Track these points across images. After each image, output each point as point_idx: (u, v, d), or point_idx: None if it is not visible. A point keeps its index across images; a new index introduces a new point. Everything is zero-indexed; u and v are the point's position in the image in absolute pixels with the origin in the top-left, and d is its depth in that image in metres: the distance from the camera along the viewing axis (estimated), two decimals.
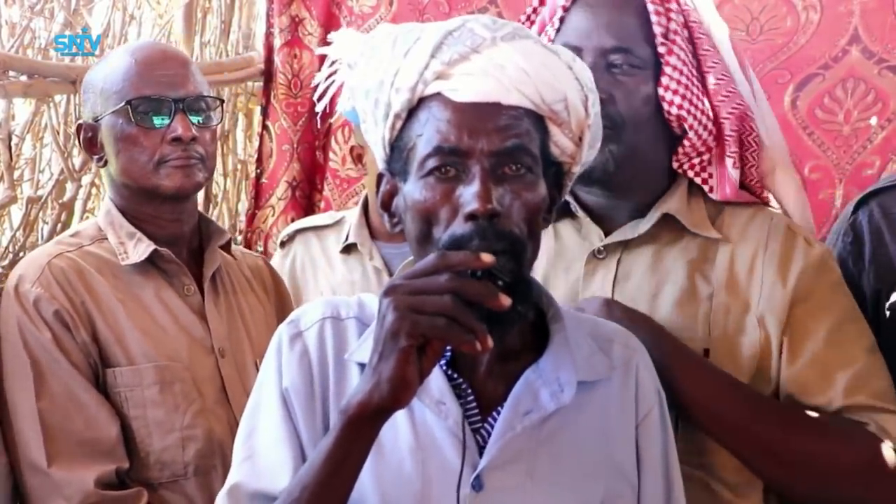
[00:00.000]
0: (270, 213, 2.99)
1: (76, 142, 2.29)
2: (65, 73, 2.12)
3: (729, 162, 1.58)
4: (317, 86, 1.42)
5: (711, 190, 1.61)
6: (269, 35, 2.98)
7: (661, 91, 1.52)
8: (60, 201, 2.27)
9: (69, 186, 2.29)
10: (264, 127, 3.00)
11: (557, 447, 1.21)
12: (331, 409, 1.22)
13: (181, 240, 1.84)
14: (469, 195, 1.13)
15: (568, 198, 1.60)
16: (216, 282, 1.88)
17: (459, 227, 1.13)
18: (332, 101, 1.43)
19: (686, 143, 1.55)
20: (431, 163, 1.16)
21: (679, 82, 1.52)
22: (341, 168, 2.98)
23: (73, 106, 2.26)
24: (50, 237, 2.18)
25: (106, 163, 1.81)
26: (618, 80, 1.50)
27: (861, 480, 1.42)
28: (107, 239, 1.79)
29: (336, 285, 2.46)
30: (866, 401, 1.46)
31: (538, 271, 1.60)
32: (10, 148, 2.09)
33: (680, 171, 1.59)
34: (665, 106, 1.52)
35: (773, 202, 1.65)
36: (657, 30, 1.51)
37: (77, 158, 2.32)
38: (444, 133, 1.15)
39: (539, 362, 1.23)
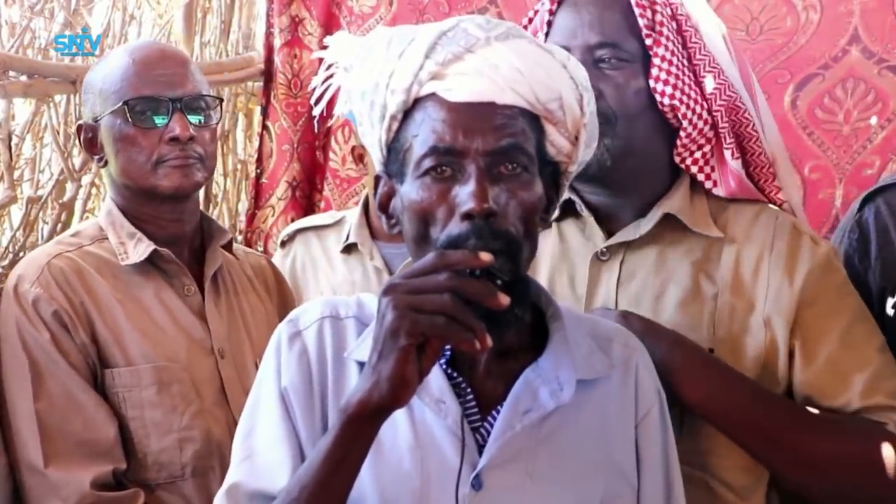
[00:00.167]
0: (270, 213, 3.00)
1: (76, 142, 2.30)
2: (65, 73, 2.12)
3: (727, 153, 1.58)
4: (315, 88, 1.43)
5: (716, 184, 1.60)
6: (269, 35, 2.98)
7: (652, 83, 1.52)
8: (60, 201, 2.27)
9: (69, 186, 2.30)
10: (264, 127, 3.00)
11: (557, 446, 1.21)
12: (330, 408, 1.22)
13: (182, 240, 1.84)
14: (465, 195, 1.13)
15: (574, 197, 1.60)
16: (217, 282, 1.87)
17: (456, 226, 1.13)
18: (330, 105, 1.43)
19: (682, 133, 1.55)
20: (427, 163, 1.16)
21: (669, 73, 1.52)
22: (341, 168, 2.98)
23: (73, 106, 2.26)
24: (50, 237, 2.18)
25: (106, 163, 1.81)
26: (606, 75, 1.51)
27: (881, 479, 1.42)
28: (107, 239, 1.79)
29: (336, 285, 2.46)
30: (884, 401, 1.47)
31: (543, 271, 1.61)
32: (10, 148, 2.09)
33: (682, 165, 1.59)
34: (658, 97, 1.52)
35: (781, 193, 1.64)
36: (642, 22, 1.51)
37: (77, 158, 2.32)
38: (439, 133, 1.15)
39: (538, 361, 1.23)
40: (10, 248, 2.10)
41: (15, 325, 1.68)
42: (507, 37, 1.19)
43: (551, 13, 1.59)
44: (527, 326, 1.26)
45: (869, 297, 1.61)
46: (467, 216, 1.12)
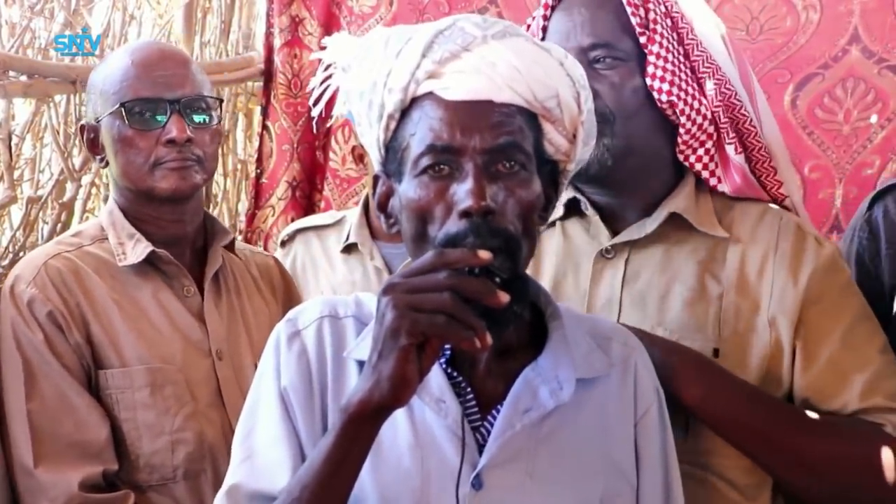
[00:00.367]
0: (270, 213, 3.00)
1: (76, 142, 2.30)
2: (65, 73, 2.12)
3: (730, 149, 1.58)
4: (314, 89, 1.43)
5: (720, 181, 1.60)
6: (269, 35, 2.98)
7: (649, 81, 1.52)
8: (60, 201, 2.28)
9: (69, 186, 2.30)
10: (264, 127, 3.01)
11: (557, 445, 1.21)
12: (329, 407, 1.22)
13: (183, 240, 1.83)
14: (463, 193, 1.13)
15: (579, 196, 1.60)
16: (218, 282, 1.87)
17: (454, 224, 1.13)
18: (329, 105, 1.43)
19: (682, 130, 1.55)
20: (425, 161, 1.16)
21: (665, 70, 1.52)
22: (341, 168, 2.99)
23: (73, 106, 2.27)
24: (50, 237, 2.18)
25: (108, 164, 1.80)
26: (601, 75, 1.51)
27: (880, 481, 1.42)
28: (107, 239, 1.79)
29: (337, 285, 2.46)
30: (882, 402, 1.47)
31: (547, 270, 1.61)
32: (10, 148, 2.09)
33: (686, 163, 1.59)
34: (655, 95, 1.52)
35: (783, 188, 1.64)
36: (635, 21, 1.52)
37: (77, 158, 2.32)
38: (436, 131, 1.15)
39: (538, 360, 1.23)
40: (10, 248, 2.11)
41: (10, 325, 1.68)
42: (504, 35, 1.19)
43: (545, 18, 1.60)
44: (526, 325, 1.26)
45: (881, 295, 1.62)
46: (465, 214, 1.12)
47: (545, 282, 1.60)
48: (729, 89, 1.57)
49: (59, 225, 2.25)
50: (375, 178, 1.27)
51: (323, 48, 1.39)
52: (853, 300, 1.54)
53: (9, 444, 1.65)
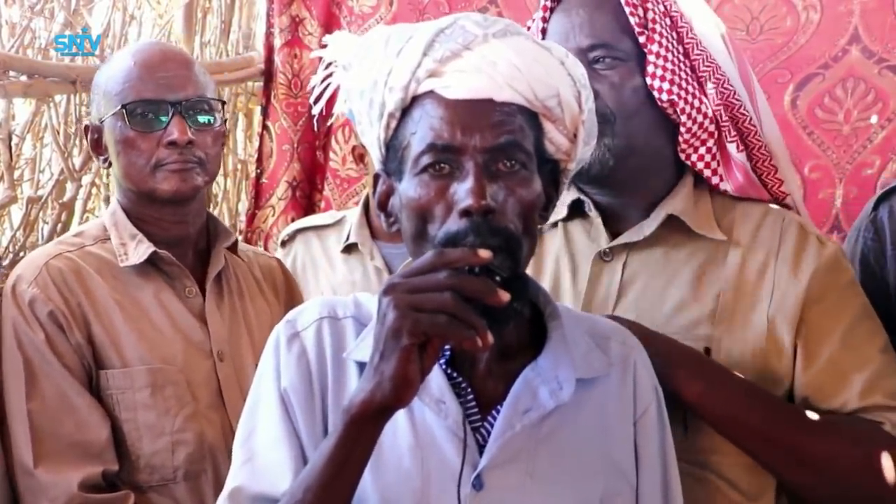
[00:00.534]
0: (270, 213, 3.00)
1: (76, 142, 2.30)
2: (65, 73, 2.12)
3: (732, 147, 1.58)
4: (314, 87, 1.43)
5: (722, 179, 1.60)
6: (269, 35, 2.98)
7: (649, 80, 1.52)
8: (60, 201, 2.28)
9: (69, 186, 2.30)
10: (264, 127, 3.01)
11: (557, 445, 1.21)
12: (329, 408, 1.22)
13: (186, 241, 1.83)
14: (463, 192, 1.13)
15: (583, 197, 1.60)
16: (220, 283, 1.86)
17: (454, 223, 1.13)
18: (330, 104, 1.43)
19: (683, 129, 1.55)
20: (425, 160, 1.16)
21: (665, 69, 1.52)
22: (341, 168, 2.99)
23: (73, 106, 2.27)
24: (50, 237, 2.18)
25: (111, 164, 1.80)
26: (601, 76, 1.51)
27: (878, 480, 1.42)
28: (110, 239, 1.78)
29: (337, 285, 2.46)
30: (882, 401, 1.47)
31: (547, 271, 1.61)
32: (10, 148, 2.09)
33: (688, 162, 1.59)
34: (655, 94, 1.52)
35: (784, 186, 1.64)
36: (633, 20, 1.52)
37: (77, 158, 2.32)
38: (437, 130, 1.15)
39: (538, 360, 1.22)
40: (10, 248, 2.11)
41: (12, 325, 1.67)
42: (505, 34, 1.19)
43: (545, 20, 1.60)
44: (526, 326, 1.26)
45: (886, 295, 1.62)
46: (465, 213, 1.12)
47: (545, 282, 1.60)
48: (728, 88, 1.57)
49: (59, 225, 2.25)
50: (376, 177, 1.27)
51: (324, 46, 1.39)
52: (855, 300, 1.54)
53: (9, 443, 1.65)
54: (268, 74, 2.99)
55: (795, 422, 1.46)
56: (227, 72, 2.91)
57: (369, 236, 2.44)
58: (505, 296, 1.05)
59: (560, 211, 1.61)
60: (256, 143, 3.03)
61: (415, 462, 1.18)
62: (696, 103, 1.55)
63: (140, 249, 1.76)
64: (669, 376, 1.39)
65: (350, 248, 2.47)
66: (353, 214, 2.49)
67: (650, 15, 1.53)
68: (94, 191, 2.45)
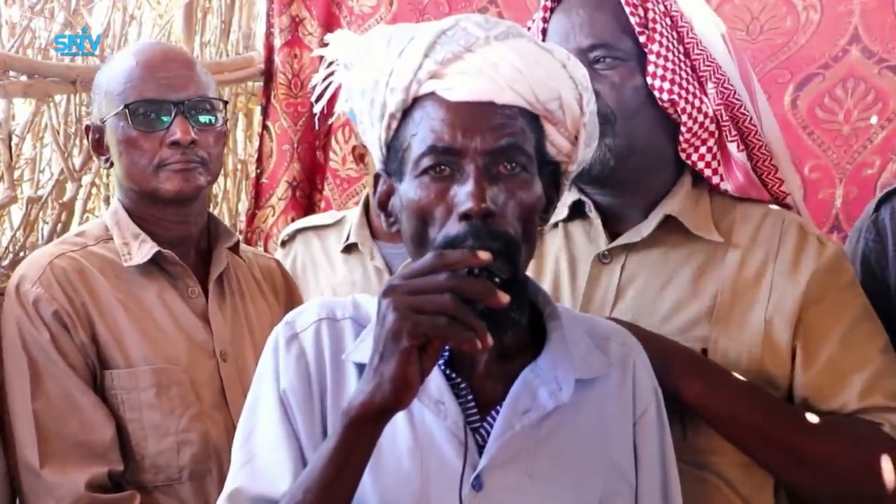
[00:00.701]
0: (270, 213, 3.00)
1: (76, 142, 2.30)
2: (65, 73, 2.12)
3: (732, 147, 1.58)
4: (316, 86, 1.42)
5: (723, 179, 1.60)
6: (269, 35, 2.98)
7: (649, 80, 1.52)
8: (60, 201, 2.28)
9: (69, 186, 2.30)
10: (264, 127, 3.01)
11: (556, 446, 1.21)
12: (329, 410, 1.22)
13: (188, 241, 1.83)
14: (463, 195, 1.13)
15: (583, 198, 1.60)
16: (222, 284, 1.87)
17: (454, 226, 1.13)
18: (331, 102, 1.43)
19: (684, 129, 1.55)
20: (426, 162, 1.16)
21: (666, 69, 1.52)
22: (341, 168, 2.99)
23: (73, 106, 2.27)
24: (50, 237, 2.18)
25: (112, 164, 1.80)
26: (601, 76, 1.51)
27: (878, 481, 1.42)
28: (112, 239, 1.78)
29: (337, 285, 2.46)
30: (881, 401, 1.47)
31: (547, 272, 1.61)
32: (10, 148, 2.09)
33: (689, 161, 1.59)
34: (656, 94, 1.52)
35: (784, 186, 1.64)
36: (634, 20, 1.52)
37: (77, 158, 2.32)
38: (438, 132, 1.15)
39: (537, 361, 1.22)
40: (11, 248, 2.11)
41: (16, 324, 1.67)
42: (506, 36, 1.19)
43: (545, 20, 1.60)
44: (525, 326, 1.25)
45: (887, 296, 1.62)
46: (465, 216, 1.12)
47: (546, 283, 1.60)
48: (728, 88, 1.57)
49: (59, 225, 2.25)
50: (376, 177, 1.27)
51: (325, 45, 1.39)
52: (855, 300, 1.54)
53: (13, 444, 1.65)
54: (268, 74, 2.99)
55: (795, 422, 1.46)
56: (227, 72, 2.91)
57: (369, 236, 2.44)
58: (504, 297, 1.05)
59: (561, 212, 1.61)
60: (256, 143, 3.03)
61: (414, 463, 1.18)
62: (697, 103, 1.55)
63: (143, 249, 1.76)
64: (669, 377, 1.39)
65: (350, 248, 2.47)
66: (354, 214, 2.50)
67: (650, 15, 1.53)
68: (94, 191, 2.45)
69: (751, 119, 1.59)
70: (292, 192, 2.99)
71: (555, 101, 1.19)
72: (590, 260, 1.58)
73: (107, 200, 2.50)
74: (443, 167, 1.15)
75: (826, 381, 1.49)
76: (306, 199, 3.02)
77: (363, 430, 1.08)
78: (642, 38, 1.52)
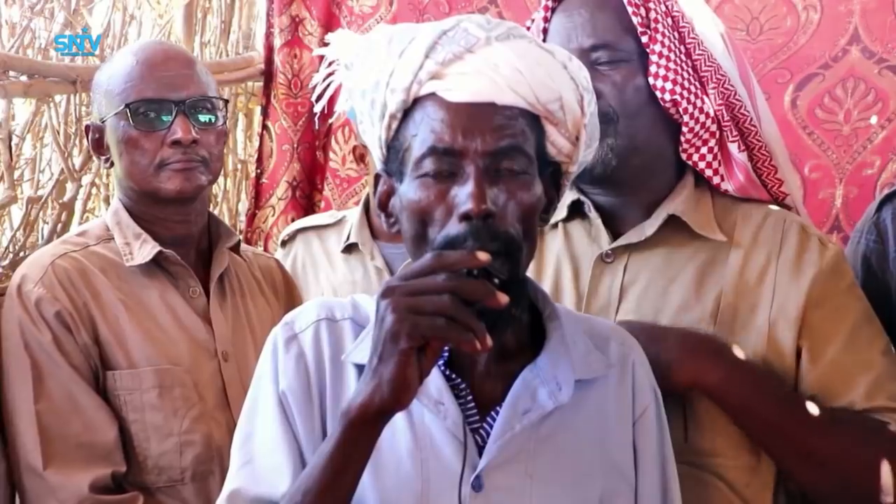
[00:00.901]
0: (270, 213, 3.00)
1: (76, 142, 2.30)
2: (65, 73, 2.12)
3: (733, 147, 1.58)
4: (316, 86, 1.42)
5: (724, 179, 1.60)
6: (269, 35, 2.98)
7: (651, 80, 1.52)
8: (60, 201, 2.27)
9: (69, 186, 2.30)
10: (264, 127, 3.01)
11: (556, 446, 1.21)
12: (328, 411, 1.22)
13: (189, 241, 1.83)
14: (463, 195, 1.13)
15: (583, 198, 1.60)
16: (223, 284, 1.86)
17: (454, 227, 1.13)
18: (331, 102, 1.43)
19: (685, 129, 1.55)
20: (426, 163, 1.16)
21: (668, 69, 1.52)
22: (341, 168, 2.99)
23: (73, 106, 2.27)
24: (50, 237, 2.18)
25: (113, 164, 1.80)
26: (603, 76, 1.51)
27: (884, 479, 1.43)
28: (113, 239, 1.78)
29: (337, 285, 2.46)
30: (885, 403, 1.47)
31: (548, 272, 1.61)
32: (10, 148, 2.09)
33: (690, 161, 1.59)
34: (658, 94, 1.52)
35: (784, 186, 1.64)
36: (636, 20, 1.52)
37: (77, 158, 2.32)
38: (438, 133, 1.15)
39: (537, 361, 1.22)
40: (11, 248, 2.10)
41: (18, 325, 1.67)
42: (507, 37, 1.19)
43: (546, 20, 1.60)
44: (525, 327, 1.26)
45: (888, 298, 1.62)
46: (465, 217, 1.12)
47: (546, 283, 1.60)
48: (729, 88, 1.57)
49: (59, 225, 2.25)
50: (377, 177, 1.27)
51: (325, 45, 1.39)
52: (856, 303, 1.54)
53: (15, 445, 1.65)
54: (268, 74, 2.99)
55: (809, 417, 1.46)
56: (227, 72, 2.91)
57: (370, 236, 2.44)
58: (504, 298, 1.05)
59: (560, 212, 1.61)
60: (256, 143, 3.03)
61: (414, 464, 1.18)
62: (699, 103, 1.55)
63: (145, 249, 1.76)
64: (690, 363, 1.39)
65: (350, 248, 2.47)
66: (354, 214, 2.49)
67: (652, 15, 1.53)
68: (94, 191, 2.45)
69: (751, 119, 1.59)
70: (292, 192, 2.99)
71: (555, 102, 1.19)
72: (592, 259, 1.58)
73: (107, 200, 2.50)
74: (443, 168, 1.15)
75: (831, 381, 1.49)
76: (306, 199, 3.02)
77: (362, 431, 1.08)
78: (644, 38, 1.52)
